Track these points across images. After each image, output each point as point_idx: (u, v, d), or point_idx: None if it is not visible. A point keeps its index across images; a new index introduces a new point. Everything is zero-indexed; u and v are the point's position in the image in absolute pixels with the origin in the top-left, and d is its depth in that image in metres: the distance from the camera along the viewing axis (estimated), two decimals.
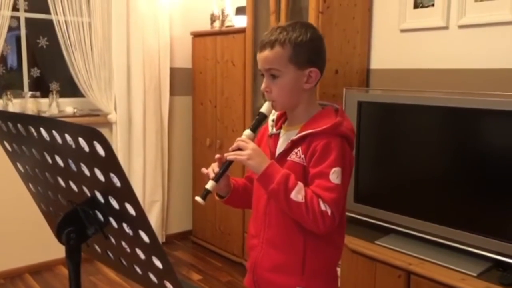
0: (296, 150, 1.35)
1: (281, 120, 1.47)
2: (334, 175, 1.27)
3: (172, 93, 3.87)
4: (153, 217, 3.80)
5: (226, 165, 1.36)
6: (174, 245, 3.94)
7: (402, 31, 2.75)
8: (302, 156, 1.33)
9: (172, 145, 3.98)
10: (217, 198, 1.49)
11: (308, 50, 1.33)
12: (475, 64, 2.44)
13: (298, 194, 1.26)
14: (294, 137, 1.35)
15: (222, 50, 3.50)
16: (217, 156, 1.38)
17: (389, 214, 2.49)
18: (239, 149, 1.33)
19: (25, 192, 1.30)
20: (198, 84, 3.79)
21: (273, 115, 1.48)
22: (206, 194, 1.34)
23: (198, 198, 1.33)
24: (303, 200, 1.25)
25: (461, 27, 2.48)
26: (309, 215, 1.24)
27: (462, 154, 2.24)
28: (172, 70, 3.85)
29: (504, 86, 2.29)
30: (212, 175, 1.37)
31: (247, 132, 1.36)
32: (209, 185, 1.34)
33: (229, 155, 1.33)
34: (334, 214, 1.26)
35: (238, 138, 1.35)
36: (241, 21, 3.41)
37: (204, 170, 1.40)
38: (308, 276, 1.37)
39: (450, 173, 2.30)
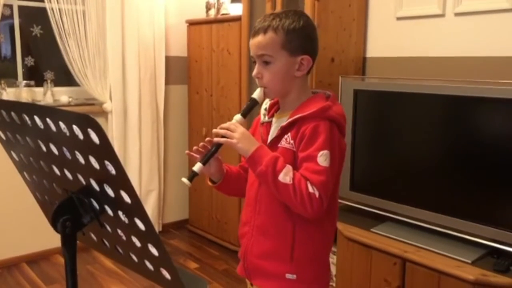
0: (286, 136, 1.35)
1: (274, 109, 1.47)
2: (322, 158, 1.26)
3: (167, 82, 3.84)
4: (150, 206, 3.81)
5: (214, 148, 1.35)
6: (171, 234, 3.95)
7: (399, 19, 2.74)
8: (292, 141, 1.33)
9: (168, 134, 3.97)
10: (209, 183, 1.49)
11: (301, 37, 1.34)
12: (471, 52, 2.44)
13: (286, 176, 1.25)
14: (284, 124, 1.35)
15: (218, 39, 3.48)
16: (207, 139, 1.38)
17: (385, 202, 2.50)
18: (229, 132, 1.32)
19: (20, 181, 1.29)
20: (193, 73, 3.78)
21: (265, 104, 1.47)
22: (192, 176, 1.33)
23: (184, 180, 1.33)
24: (291, 182, 1.25)
25: (457, 14, 2.47)
26: (297, 197, 1.24)
27: (457, 142, 2.24)
28: (168, 59, 3.82)
29: (501, 74, 2.28)
30: (199, 157, 1.37)
31: (237, 116, 1.36)
32: (196, 167, 1.34)
33: (218, 139, 1.32)
34: (322, 197, 1.25)
35: (228, 123, 1.34)
36: (237, 9, 3.39)
37: (187, 152, 1.41)
38: (297, 264, 1.37)
39: (445, 161, 2.30)
